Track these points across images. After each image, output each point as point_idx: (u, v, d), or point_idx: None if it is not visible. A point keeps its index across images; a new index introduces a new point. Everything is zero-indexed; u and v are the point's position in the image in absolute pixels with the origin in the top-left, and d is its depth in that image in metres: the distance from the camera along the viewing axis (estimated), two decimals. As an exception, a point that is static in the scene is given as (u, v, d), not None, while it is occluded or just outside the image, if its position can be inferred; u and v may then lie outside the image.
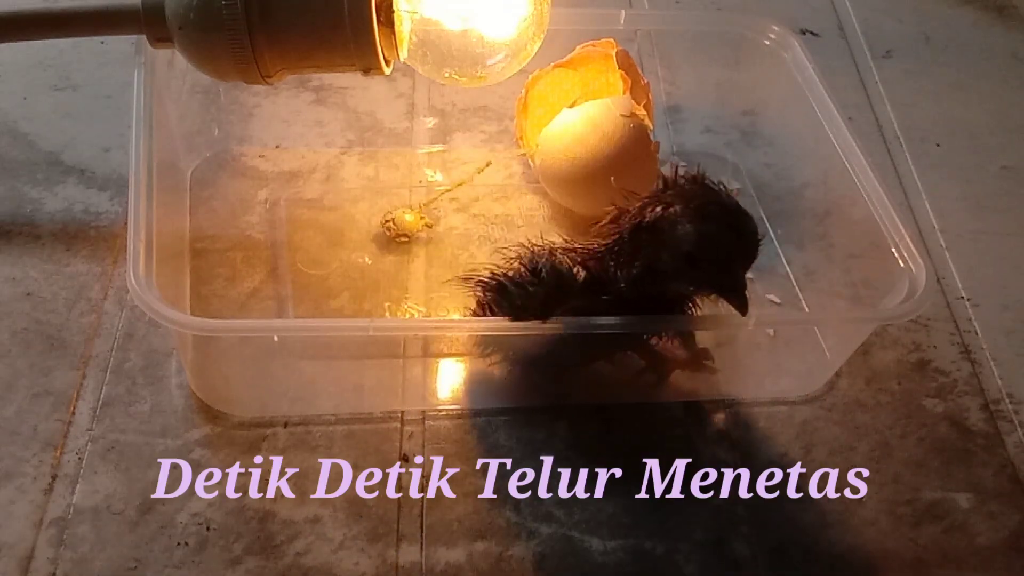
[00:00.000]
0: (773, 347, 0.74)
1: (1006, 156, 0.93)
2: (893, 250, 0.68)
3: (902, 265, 0.67)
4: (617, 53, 0.79)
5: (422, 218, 0.81)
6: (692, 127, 0.93)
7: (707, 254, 0.57)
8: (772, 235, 0.83)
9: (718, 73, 0.92)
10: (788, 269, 0.80)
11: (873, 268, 0.71)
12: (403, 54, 0.73)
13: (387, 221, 0.80)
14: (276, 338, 0.64)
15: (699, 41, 0.93)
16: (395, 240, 0.80)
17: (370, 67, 0.71)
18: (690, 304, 0.63)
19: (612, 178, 0.71)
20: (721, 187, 0.59)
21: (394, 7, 0.70)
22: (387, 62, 0.72)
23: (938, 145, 0.94)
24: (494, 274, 0.63)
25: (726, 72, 0.90)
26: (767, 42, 0.84)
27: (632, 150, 0.77)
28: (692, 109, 0.95)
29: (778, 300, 0.78)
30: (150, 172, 0.67)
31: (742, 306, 0.58)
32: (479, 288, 0.64)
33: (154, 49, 0.73)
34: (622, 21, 0.84)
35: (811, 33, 1.06)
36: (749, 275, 0.78)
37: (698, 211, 0.57)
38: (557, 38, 0.80)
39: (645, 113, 0.79)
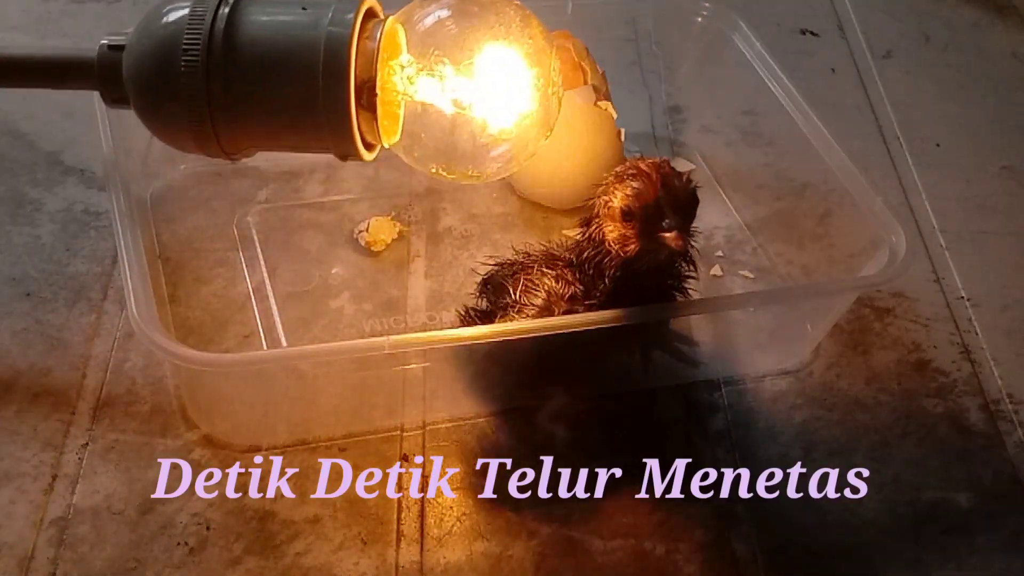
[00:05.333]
0: (756, 322, 0.74)
1: (1006, 156, 0.93)
2: (871, 220, 0.69)
3: (882, 235, 0.68)
4: (574, 44, 0.79)
5: (395, 225, 0.81)
6: (692, 127, 0.93)
7: (636, 203, 0.60)
8: (772, 236, 0.83)
9: (718, 73, 0.92)
10: (788, 269, 0.80)
11: (873, 268, 0.71)
12: (395, 139, 0.65)
13: (360, 232, 0.80)
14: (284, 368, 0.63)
15: (699, 41, 0.93)
16: (370, 248, 0.79)
17: (347, 154, 0.63)
18: (675, 292, 0.65)
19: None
20: (639, 155, 0.64)
21: (376, 89, 0.61)
22: (369, 147, 0.64)
23: (938, 145, 0.94)
24: (470, 310, 0.69)
25: (726, 72, 0.90)
26: (699, 19, 0.86)
27: (597, 139, 0.78)
28: (692, 109, 0.95)
29: (751, 275, 0.79)
30: (128, 193, 0.67)
31: (676, 242, 0.60)
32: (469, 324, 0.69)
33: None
34: (569, 11, 0.84)
35: (811, 33, 1.06)
36: (748, 273, 0.80)
37: (620, 175, 0.62)
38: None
39: (608, 103, 0.79)
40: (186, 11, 0.61)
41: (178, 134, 0.63)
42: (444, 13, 0.63)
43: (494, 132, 0.64)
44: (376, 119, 0.62)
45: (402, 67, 0.62)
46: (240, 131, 0.62)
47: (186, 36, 0.60)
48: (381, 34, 0.61)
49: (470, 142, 0.64)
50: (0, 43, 0.88)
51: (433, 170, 0.66)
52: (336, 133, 0.61)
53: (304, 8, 0.61)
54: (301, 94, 0.60)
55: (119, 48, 0.63)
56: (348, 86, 0.60)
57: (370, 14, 0.62)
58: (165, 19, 0.61)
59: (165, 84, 0.60)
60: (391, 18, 0.63)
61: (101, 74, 0.64)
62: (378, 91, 0.61)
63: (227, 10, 0.60)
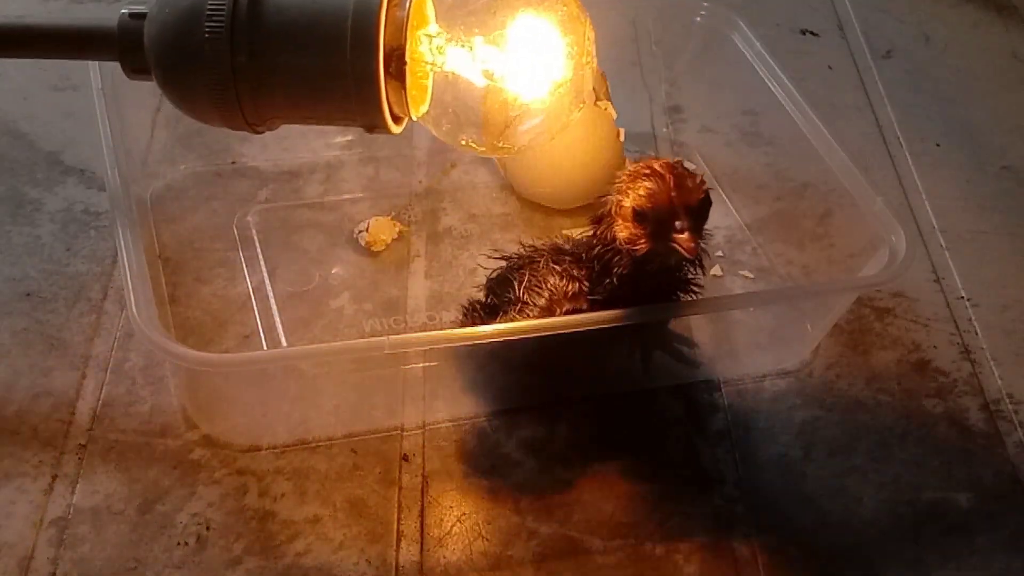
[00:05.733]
0: (756, 322, 0.74)
1: (1006, 156, 0.93)
2: (871, 220, 0.69)
3: (882, 235, 0.68)
4: None
5: (395, 225, 0.81)
6: (692, 127, 0.93)
7: (648, 204, 0.60)
8: (772, 236, 0.83)
9: (718, 73, 0.92)
10: (788, 269, 0.80)
11: (873, 268, 0.71)
12: (423, 109, 0.64)
13: (360, 232, 0.80)
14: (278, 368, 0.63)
15: (699, 41, 0.93)
16: (370, 248, 0.79)
17: (374, 125, 0.61)
18: (680, 293, 0.65)
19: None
20: (650, 155, 0.62)
21: (406, 58, 0.60)
22: (397, 119, 0.62)
23: (938, 145, 0.94)
24: (475, 303, 0.69)
25: (726, 72, 0.90)
26: (699, 19, 0.86)
27: (597, 140, 0.78)
28: (692, 109, 0.95)
29: (751, 275, 0.79)
30: (128, 193, 0.67)
31: (688, 244, 0.60)
32: (472, 318, 0.68)
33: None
34: None
35: (811, 33, 1.06)
36: (748, 273, 0.80)
37: (634, 175, 0.61)
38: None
39: (608, 103, 0.79)
40: None
41: (200, 104, 0.61)
42: None
43: (526, 102, 0.63)
44: (404, 89, 0.60)
45: (430, 37, 0.61)
46: (264, 100, 0.60)
47: (210, 2, 0.58)
48: (410, 2, 0.60)
49: (501, 113, 0.63)
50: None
51: (463, 142, 0.64)
52: (363, 102, 0.59)
53: None
54: (328, 62, 0.58)
55: (140, 16, 0.61)
56: (377, 54, 0.58)
57: None
58: None
59: (188, 52, 0.58)
60: None
61: (122, 43, 0.61)
62: (407, 60, 0.60)
63: None
